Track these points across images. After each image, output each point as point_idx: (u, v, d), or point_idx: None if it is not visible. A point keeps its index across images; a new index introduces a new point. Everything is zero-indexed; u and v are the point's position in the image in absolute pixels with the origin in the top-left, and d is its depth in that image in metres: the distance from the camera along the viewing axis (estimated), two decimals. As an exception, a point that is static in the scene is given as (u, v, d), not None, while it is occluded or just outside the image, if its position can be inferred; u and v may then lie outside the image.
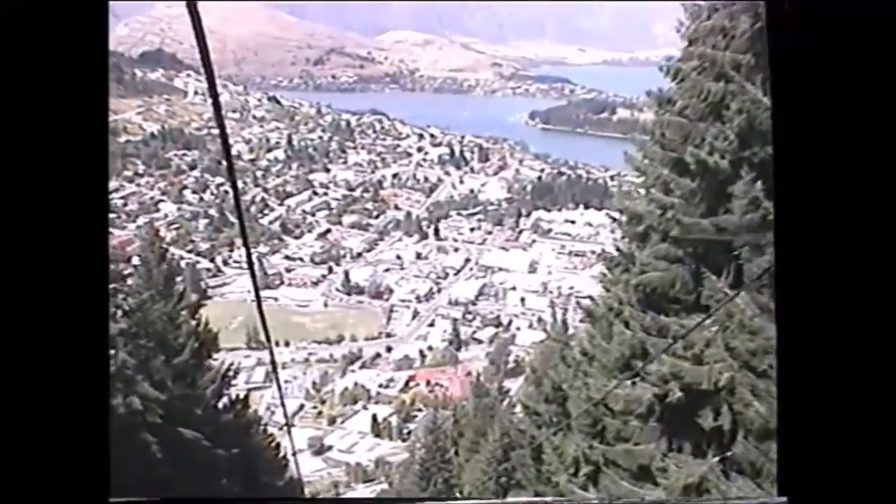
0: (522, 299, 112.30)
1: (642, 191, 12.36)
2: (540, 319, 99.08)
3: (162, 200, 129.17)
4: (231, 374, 21.43)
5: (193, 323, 19.60)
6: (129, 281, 17.20)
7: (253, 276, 49.60)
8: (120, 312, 15.49)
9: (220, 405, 20.69)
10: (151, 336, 16.65)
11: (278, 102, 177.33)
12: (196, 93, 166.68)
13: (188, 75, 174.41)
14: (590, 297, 15.60)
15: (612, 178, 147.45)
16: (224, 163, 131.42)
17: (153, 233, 22.97)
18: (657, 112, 11.66)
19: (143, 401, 15.19)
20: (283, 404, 58.16)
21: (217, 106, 4.22)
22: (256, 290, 23.67)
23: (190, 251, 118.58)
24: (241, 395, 23.38)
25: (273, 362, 63.70)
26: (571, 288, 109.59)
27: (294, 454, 32.62)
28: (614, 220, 13.97)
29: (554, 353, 18.16)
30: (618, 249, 13.55)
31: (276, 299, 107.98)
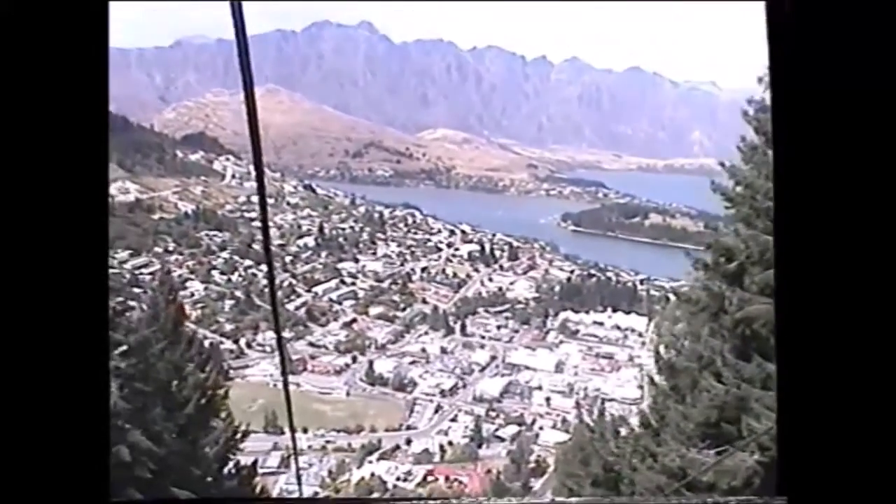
0: (548, 399, 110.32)
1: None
2: (564, 420, 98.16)
3: (190, 279, 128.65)
4: (238, 436, 19.26)
5: (202, 376, 17.58)
6: (132, 316, 15.29)
7: (283, 360, 49.50)
8: (117, 349, 13.54)
9: (224, 470, 18.51)
10: (151, 381, 14.69)
11: (313, 191, 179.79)
12: (233, 176, 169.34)
13: (227, 159, 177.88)
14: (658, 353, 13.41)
15: (641, 282, 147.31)
16: (254, 246, 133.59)
17: (165, 270, 21.17)
18: (758, 124, 9.80)
19: (134, 452, 13.21)
20: (300, 489, 55.82)
21: (262, 183, 3.89)
22: (285, 374, 22.14)
23: (214, 331, 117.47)
24: (249, 463, 21.14)
25: (295, 448, 62.06)
26: (598, 390, 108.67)
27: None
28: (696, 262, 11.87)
29: (605, 429, 15.95)
30: (705, 287, 11.43)
31: (298, 385, 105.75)
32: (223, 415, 18.87)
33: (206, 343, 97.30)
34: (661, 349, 13.03)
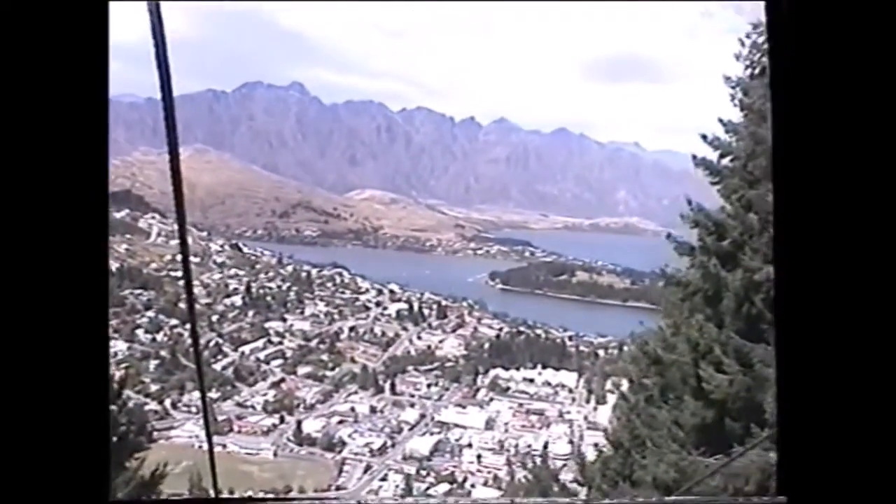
0: (479, 456, 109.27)
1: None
2: (496, 477, 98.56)
3: (113, 338, 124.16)
4: (157, 478, 17.36)
5: (115, 408, 15.77)
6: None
7: (206, 421, 47.41)
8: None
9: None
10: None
11: (240, 250, 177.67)
12: (159, 234, 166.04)
13: (153, 217, 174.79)
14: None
15: (570, 338, 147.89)
16: (180, 305, 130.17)
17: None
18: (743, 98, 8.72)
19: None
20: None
21: (184, 240, 3.98)
22: (209, 436, 20.37)
23: (139, 392, 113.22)
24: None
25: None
26: (529, 446, 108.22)
27: None
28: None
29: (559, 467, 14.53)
30: (702, 266, 10.20)
31: (224, 446, 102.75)
32: (139, 455, 16.98)
33: (131, 404, 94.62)
34: (647, 347, 11.78)
